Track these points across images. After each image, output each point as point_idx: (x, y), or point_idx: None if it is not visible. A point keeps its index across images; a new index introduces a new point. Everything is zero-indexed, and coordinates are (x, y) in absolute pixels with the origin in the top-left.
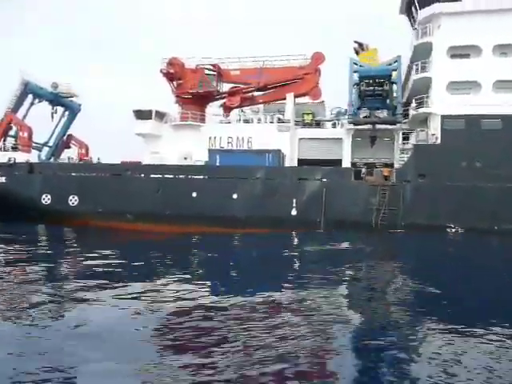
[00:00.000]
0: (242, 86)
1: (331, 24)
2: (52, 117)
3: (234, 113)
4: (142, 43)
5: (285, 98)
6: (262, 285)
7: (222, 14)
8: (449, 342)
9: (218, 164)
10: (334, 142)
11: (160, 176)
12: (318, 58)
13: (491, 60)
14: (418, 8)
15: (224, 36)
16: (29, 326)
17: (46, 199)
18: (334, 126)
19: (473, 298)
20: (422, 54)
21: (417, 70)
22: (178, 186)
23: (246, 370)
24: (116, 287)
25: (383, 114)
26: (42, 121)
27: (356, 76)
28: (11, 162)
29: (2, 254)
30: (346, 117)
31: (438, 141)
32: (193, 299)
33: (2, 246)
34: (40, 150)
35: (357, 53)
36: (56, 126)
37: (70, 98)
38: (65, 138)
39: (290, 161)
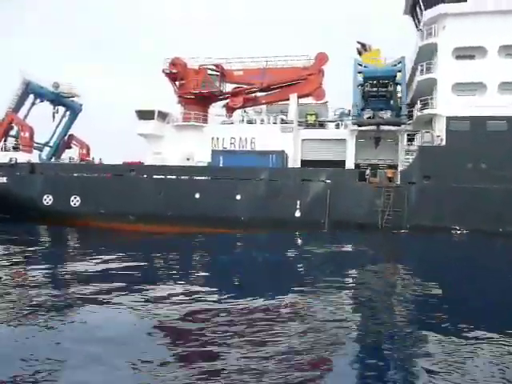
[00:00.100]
0: (245, 86)
1: (331, 24)
2: (53, 117)
3: (237, 113)
4: (142, 43)
5: (288, 99)
6: (264, 289)
7: (222, 14)
8: (453, 343)
9: (221, 165)
10: (337, 142)
11: (163, 177)
12: (322, 58)
13: (497, 61)
14: (422, 9)
15: (224, 36)
16: (30, 329)
17: (48, 200)
18: (337, 126)
19: (478, 299)
20: (426, 54)
21: (422, 70)
22: (180, 186)
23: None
24: (118, 290)
25: (387, 114)
26: (42, 121)
27: (360, 77)
28: (12, 162)
29: (4, 256)
30: (350, 118)
31: (443, 142)
32: (196, 303)
33: (3, 246)
34: (41, 150)
35: (359, 53)
36: (57, 126)
37: (71, 98)
38: (66, 138)
39: (293, 162)
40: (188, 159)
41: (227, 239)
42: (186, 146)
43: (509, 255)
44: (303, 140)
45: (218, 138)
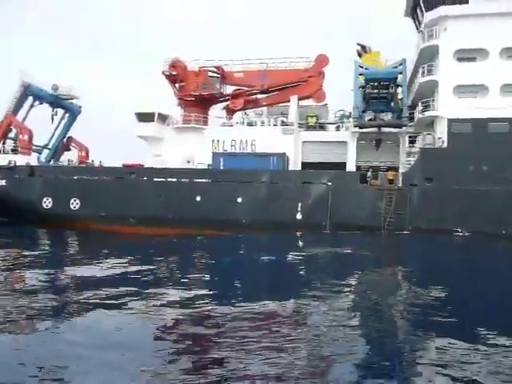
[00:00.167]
0: (246, 88)
1: (331, 24)
2: (52, 119)
3: (237, 115)
4: (142, 43)
5: (288, 101)
6: (263, 293)
7: (222, 14)
8: (455, 346)
9: (222, 167)
10: (338, 145)
11: (163, 179)
12: (322, 60)
13: (498, 63)
14: (423, 10)
15: (224, 36)
16: (32, 336)
17: (47, 203)
18: (337, 128)
19: (479, 301)
20: (428, 56)
21: (423, 72)
22: (181, 189)
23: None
24: (122, 295)
25: (387, 117)
26: (41, 123)
27: (361, 79)
28: (11, 164)
29: (4, 260)
30: (350, 120)
31: (445, 144)
32: (197, 307)
33: (3, 250)
34: (40, 153)
35: (359, 55)
36: (56, 129)
37: (70, 100)
38: (65, 140)
39: (294, 164)
40: (188, 161)
41: (228, 240)
42: (187, 149)
43: (511, 257)
44: (304, 142)
45: (218, 141)
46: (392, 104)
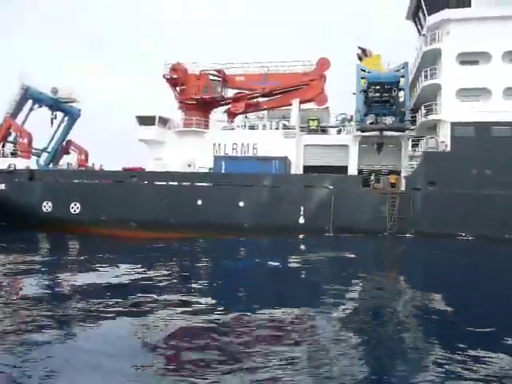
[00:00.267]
0: (247, 91)
1: (331, 24)
2: (51, 122)
3: (238, 119)
4: (142, 43)
5: (290, 104)
6: (263, 301)
7: (222, 14)
8: (457, 349)
9: (223, 171)
10: (340, 148)
11: (164, 183)
12: (324, 63)
13: (501, 67)
14: (425, 14)
15: (224, 36)
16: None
17: (47, 207)
18: (338, 132)
19: (481, 305)
20: (430, 60)
21: (425, 76)
22: (182, 193)
23: None
24: (125, 301)
25: (389, 120)
26: (40, 126)
27: (363, 82)
28: (11, 168)
29: (4, 265)
30: (352, 123)
31: (448, 148)
32: (199, 315)
33: (2, 255)
34: (39, 156)
35: (360, 59)
36: (55, 132)
37: (70, 103)
38: (64, 143)
39: (296, 168)
40: (189, 165)
41: (230, 245)
42: (188, 152)
43: None
44: (305, 146)
45: (219, 144)
46: (394, 107)
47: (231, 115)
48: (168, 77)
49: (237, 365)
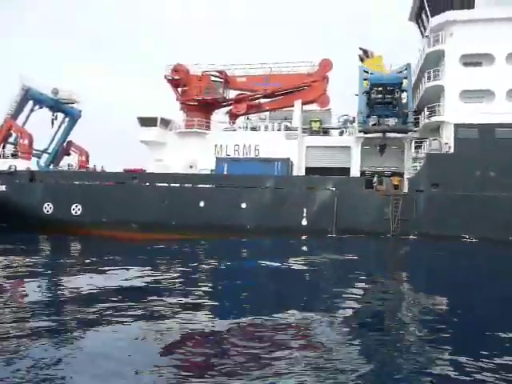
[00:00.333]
0: (249, 92)
1: (331, 24)
2: (52, 123)
3: (240, 120)
4: (142, 43)
5: (292, 106)
6: (266, 304)
7: (222, 14)
8: (459, 352)
9: (225, 172)
10: (342, 150)
11: (166, 185)
12: (326, 65)
13: (504, 68)
14: (429, 15)
15: (224, 36)
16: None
17: (48, 208)
18: (341, 133)
19: (484, 307)
20: (433, 61)
21: (429, 77)
22: (184, 195)
23: None
24: (127, 305)
25: (392, 121)
26: (41, 127)
27: (366, 83)
28: (12, 169)
29: (4, 267)
30: (354, 125)
31: (451, 150)
32: (198, 321)
33: (3, 257)
34: (39, 157)
35: (361, 60)
36: (56, 133)
37: (70, 104)
38: (65, 144)
39: (298, 169)
40: (191, 167)
41: (232, 246)
42: (189, 154)
43: None
44: (308, 147)
45: (221, 145)
46: (397, 109)
47: (233, 116)
48: (170, 78)
49: (241, 369)
